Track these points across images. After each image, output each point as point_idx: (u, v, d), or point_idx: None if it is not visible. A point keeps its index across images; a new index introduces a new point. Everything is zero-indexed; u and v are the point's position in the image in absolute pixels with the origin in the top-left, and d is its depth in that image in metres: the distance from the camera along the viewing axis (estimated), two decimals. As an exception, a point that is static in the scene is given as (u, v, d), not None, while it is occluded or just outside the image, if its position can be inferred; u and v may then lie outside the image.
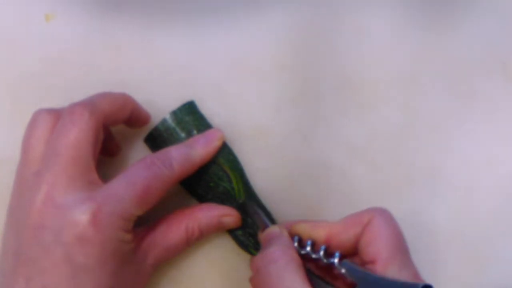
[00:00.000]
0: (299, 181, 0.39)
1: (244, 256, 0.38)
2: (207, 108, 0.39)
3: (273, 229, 0.35)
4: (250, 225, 0.37)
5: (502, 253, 0.40)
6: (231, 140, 0.39)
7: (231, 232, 0.38)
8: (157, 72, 0.40)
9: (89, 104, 0.33)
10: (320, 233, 0.34)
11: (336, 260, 0.32)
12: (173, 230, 0.35)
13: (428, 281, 0.33)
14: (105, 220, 0.30)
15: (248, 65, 0.40)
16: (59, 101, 0.39)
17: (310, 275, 0.32)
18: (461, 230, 0.39)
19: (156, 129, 0.37)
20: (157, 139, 0.37)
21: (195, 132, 0.37)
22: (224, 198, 0.37)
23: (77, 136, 0.31)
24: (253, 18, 0.41)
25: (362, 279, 0.31)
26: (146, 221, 0.34)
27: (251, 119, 0.40)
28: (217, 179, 0.37)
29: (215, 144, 0.36)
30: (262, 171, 0.39)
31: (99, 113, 0.32)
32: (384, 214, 0.33)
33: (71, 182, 0.30)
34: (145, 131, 0.38)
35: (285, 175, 0.39)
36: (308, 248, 0.33)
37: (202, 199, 0.37)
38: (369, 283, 0.30)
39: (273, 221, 0.37)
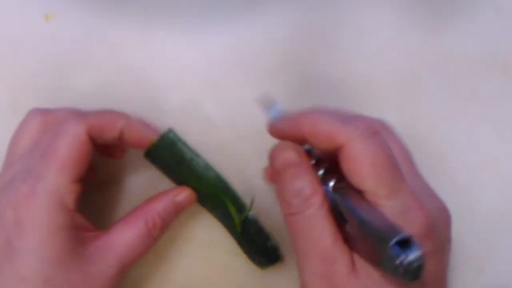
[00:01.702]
0: (299, 181, 0.39)
1: (244, 256, 0.38)
2: (207, 108, 0.39)
3: (290, 151, 0.32)
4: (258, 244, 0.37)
5: (502, 253, 0.39)
6: (231, 140, 0.39)
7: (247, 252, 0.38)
8: (157, 72, 0.40)
9: (79, 113, 0.33)
10: (292, 137, 0.32)
11: (330, 184, 0.30)
12: (131, 226, 0.33)
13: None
14: (35, 200, 0.30)
15: (248, 65, 0.40)
16: (59, 101, 0.39)
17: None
18: (461, 230, 0.39)
19: (155, 145, 0.35)
20: (160, 153, 0.36)
21: (180, 163, 0.36)
22: (225, 219, 0.37)
23: (65, 141, 0.31)
24: (253, 18, 0.41)
25: (350, 215, 0.28)
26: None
27: (251, 119, 0.40)
28: (211, 207, 0.37)
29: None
30: (262, 171, 0.39)
31: (87, 123, 0.32)
32: (362, 135, 0.30)
33: (10, 171, 0.31)
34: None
35: (285, 175, 0.39)
36: (312, 162, 0.32)
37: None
38: (355, 222, 0.28)
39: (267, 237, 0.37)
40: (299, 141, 0.32)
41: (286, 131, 0.33)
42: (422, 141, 0.40)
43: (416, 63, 0.41)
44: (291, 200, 0.30)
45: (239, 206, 0.37)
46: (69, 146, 0.31)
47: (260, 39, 0.41)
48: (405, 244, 0.26)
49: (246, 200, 0.37)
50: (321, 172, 0.31)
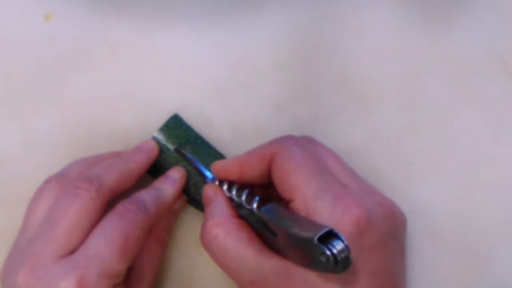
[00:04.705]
0: (299, 181, 0.39)
1: (244, 256, 0.38)
2: (207, 108, 0.39)
3: (208, 190, 0.35)
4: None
5: (502, 253, 0.39)
6: (231, 140, 0.39)
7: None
8: (157, 72, 0.40)
9: (97, 180, 0.32)
10: (232, 173, 0.34)
11: (254, 206, 0.32)
12: (149, 253, 0.34)
13: (429, 281, 0.33)
14: (91, 285, 0.29)
15: (248, 65, 0.40)
16: (59, 100, 0.39)
17: (254, 225, 0.32)
18: (461, 230, 0.39)
19: (164, 127, 0.37)
20: (167, 135, 0.37)
21: (185, 144, 0.37)
22: None
23: (78, 209, 0.31)
24: (253, 18, 0.41)
25: (277, 228, 0.29)
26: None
27: (251, 119, 0.40)
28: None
29: (181, 181, 0.36)
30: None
31: (105, 191, 0.32)
32: (287, 144, 0.32)
33: (58, 252, 0.30)
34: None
35: (285, 175, 0.39)
36: (234, 192, 0.34)
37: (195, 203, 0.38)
38: (282, 233, 0.29)
39: None
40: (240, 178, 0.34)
41: (229, 173, 0.34)
42: (422, 141, 0.40)
43: (416, 63, 0.41)
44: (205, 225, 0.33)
45: None
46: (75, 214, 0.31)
47: (261, 39, 0.41)
48: (331, 239, 0.26)
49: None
50: (244, 196, 0.33)
